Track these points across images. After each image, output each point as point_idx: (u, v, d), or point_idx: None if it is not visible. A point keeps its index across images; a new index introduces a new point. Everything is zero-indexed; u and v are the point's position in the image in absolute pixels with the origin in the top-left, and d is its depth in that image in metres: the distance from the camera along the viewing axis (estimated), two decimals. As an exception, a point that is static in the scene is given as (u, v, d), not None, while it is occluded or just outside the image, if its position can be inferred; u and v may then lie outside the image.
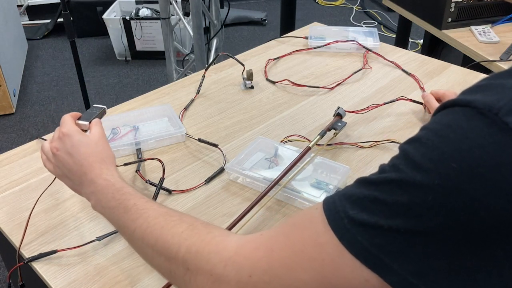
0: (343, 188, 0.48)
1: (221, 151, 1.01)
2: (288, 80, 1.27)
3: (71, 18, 2.03)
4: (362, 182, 0.45)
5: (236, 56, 1.35)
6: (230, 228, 0.77)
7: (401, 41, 2.33)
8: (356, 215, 0.43)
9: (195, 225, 0.57)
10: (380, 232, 0.42)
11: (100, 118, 0.80)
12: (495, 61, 1.47)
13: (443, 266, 0.40)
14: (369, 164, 0.96)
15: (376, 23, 3.86)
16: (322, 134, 0.98)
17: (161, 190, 0.89)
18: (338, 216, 0.45)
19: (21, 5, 3.72)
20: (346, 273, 0.44)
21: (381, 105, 1.14)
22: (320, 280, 0.45)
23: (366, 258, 0.42)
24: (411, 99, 1.15)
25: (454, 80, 1.28)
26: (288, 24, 2.61)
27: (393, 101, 1.15)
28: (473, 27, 1.68)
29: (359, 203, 0.44)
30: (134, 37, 3.26)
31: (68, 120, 0.76)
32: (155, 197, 0.88)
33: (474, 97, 0.40)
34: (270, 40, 1.53)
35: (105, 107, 0.82)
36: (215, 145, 1.02)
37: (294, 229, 0.49)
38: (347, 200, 0.45)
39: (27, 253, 0.78)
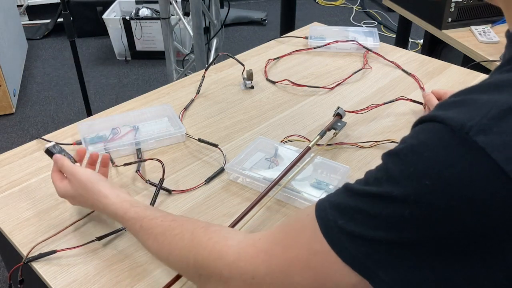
0: (333, 193, 0.50)
1: (221, 151, 1.01)
2: (288, 80, 1.27)
3: (71, 18, 2.03)
4: (349, 190, 0.48)
5: (236, 56, 1.35)
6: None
7: (401, 41, 2.34)
8: (344, 224, 0.46)
9: (196, 234, 0.61)
10: (365, 242, 0.44)
11: (61, 152, 0.85)
12: (495, 61, 1.47)
13: (427, 276, 0.42)
14: (369, 164, 0.96)
15: (376, 23, 3.86)
16: (322, 134, 0.98)
17: (161, 190, 0.89)
18: (329, 224, 0.47)
19: (21, 5, 3.72)
20: (338, 278, 0.47)
21: (381, 105, 1.14)
22: (314, 284, 0.49)
23: (355, 265, 0.45)
24: (411, 99, 1.15)
25: (454, 80, 1.28)
26: (288, 24, 2.61)
27: (393, 101, 1.15)
28: (473, 27, 1.68)
29: (346, 213, 0.46)
30: (134, 37, 3.26)
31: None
32: (155, 197, 0.88)
33: (448, 114, 0.41)
34: (270, 40, 1.53)
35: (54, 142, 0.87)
36: (215, 145, 1.02)
37: (288, 235, 0.52)
38: (336, 209, 0.48)
39: (27, 253, 0.78)
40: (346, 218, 0.46)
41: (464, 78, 1.29)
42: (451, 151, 0.40)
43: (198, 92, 1.24)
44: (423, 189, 0.40)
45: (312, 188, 0.89)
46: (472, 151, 0.39)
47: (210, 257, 0.57)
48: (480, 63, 1.49)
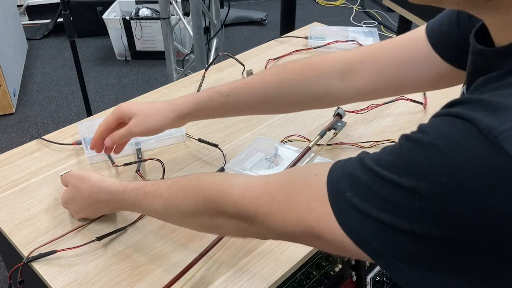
0: (349, 161, 0.49)
1: (221, 151, 1.01)
2: (288, 80, 1.27)
3: (71, 18, 2.03)
4: (363, 164, 0.47)
5: (236, 56, 1.35)
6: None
7: (401, 41, 2.33)
8: (351, 197, 0.45)
9: (201, 178, 0.65)
10: (370, 220, 0.44)
11: None
12: (495, 61, 1.47)
13: (428, 262, 0.41)
14: (369, 164, 0.96)
15: (376, 23, 3.85)
16: (322, 134, 0.98)
17: (161, 190, 0.89)
18: (338, 194, 0.47)
19: (21, 5, 3.72)
20: (332, 237, 0.48)
21: (381, 105, 1.14)
22: (308, 235, 0.51)
23: (358, 240, 0.45)
24: (411, 99, 1.15)
25: (454, 80, 1.28)
26: (288, 24, 2.61)
27: (393, 101, 1.15)
28: (473, 27, 1.67)
29: (356, 187, 0.46)
30: (134, 37, 3.26)
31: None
32: (155, 197, 0.88)
33: (477, 115, 0.39)
34: (270, 40, 1.53)
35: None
36: (215, 145, 1.02)
37: (293, 187, 0.54)
38: (348, 179, 0.47)
39: (27, 253, 0.78)
40: (354, 191, 0.45)
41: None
42: (475, 153, 0.38)
43: (198, 92, 1.23)
44: (438, 186, 0.39)
45: (312, 188, 0.89)
46: (498, 157, 0.37)
47: (217, 195, 0.60)
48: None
